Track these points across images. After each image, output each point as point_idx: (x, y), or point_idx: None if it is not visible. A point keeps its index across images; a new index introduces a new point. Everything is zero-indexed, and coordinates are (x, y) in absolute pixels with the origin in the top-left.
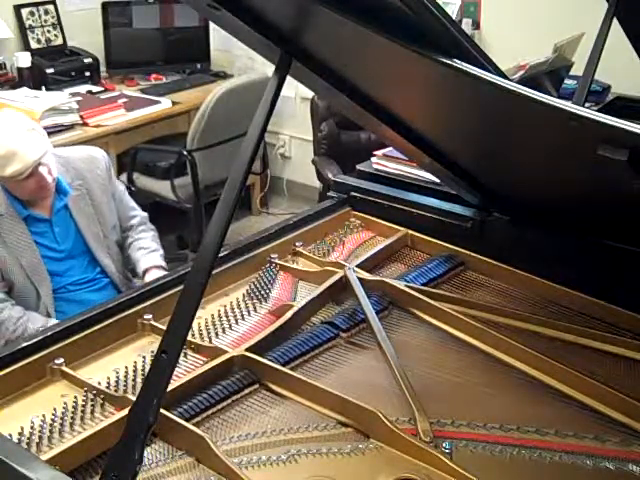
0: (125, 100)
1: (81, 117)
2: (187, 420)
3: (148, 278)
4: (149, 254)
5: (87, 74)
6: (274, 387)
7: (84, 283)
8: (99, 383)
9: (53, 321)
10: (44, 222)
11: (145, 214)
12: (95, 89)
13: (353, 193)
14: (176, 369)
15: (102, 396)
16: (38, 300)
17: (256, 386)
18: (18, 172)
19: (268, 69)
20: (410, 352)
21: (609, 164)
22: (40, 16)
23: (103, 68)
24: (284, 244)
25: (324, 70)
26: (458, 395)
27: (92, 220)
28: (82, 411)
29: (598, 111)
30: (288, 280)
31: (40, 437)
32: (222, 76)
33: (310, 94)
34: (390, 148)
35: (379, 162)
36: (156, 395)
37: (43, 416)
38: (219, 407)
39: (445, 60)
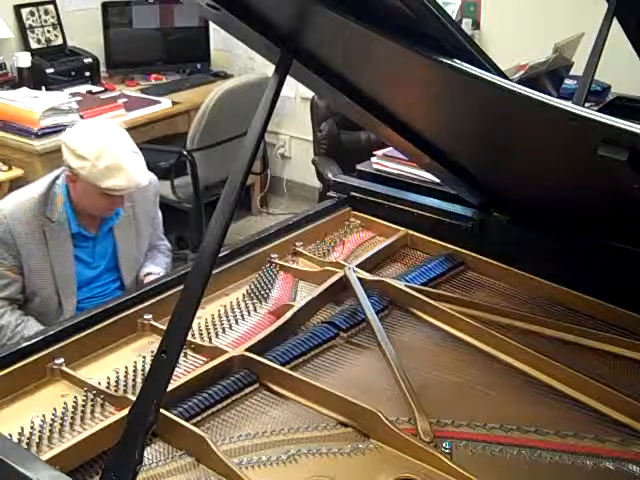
0: (125, 100)
1: (81, 117)
2: (187, 420)
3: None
4: (155, 265)
5: (87, 74)
6: (274, 387)
7: (101, 294)
8: (99, 383)
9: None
10: (89, 239)
11: (169, 246)
12: (95, 89)
13: (353, 193)
14: (176, 369)
15: (102, 396)
16: (59, 314)
17: (256, 386)
18: (118, 187)
19: (268, 69)
20: (410, 352)
21: (609, 164)
22: (40, 16)
23: (103, 68)
24: (284, 244)
25: (324, 70)
26: (458, 395)
27: (132, 245)
28: (82, 411)
29: (598, 111)
30: (288, 280)
31: (40, 437)
32: (222, 76)
33: (310, 94)
34: (390, 148)
35: (379, 162)
36: (156, 395)
37: (43, 416)
38: (219, 407)
39: (445, 60)
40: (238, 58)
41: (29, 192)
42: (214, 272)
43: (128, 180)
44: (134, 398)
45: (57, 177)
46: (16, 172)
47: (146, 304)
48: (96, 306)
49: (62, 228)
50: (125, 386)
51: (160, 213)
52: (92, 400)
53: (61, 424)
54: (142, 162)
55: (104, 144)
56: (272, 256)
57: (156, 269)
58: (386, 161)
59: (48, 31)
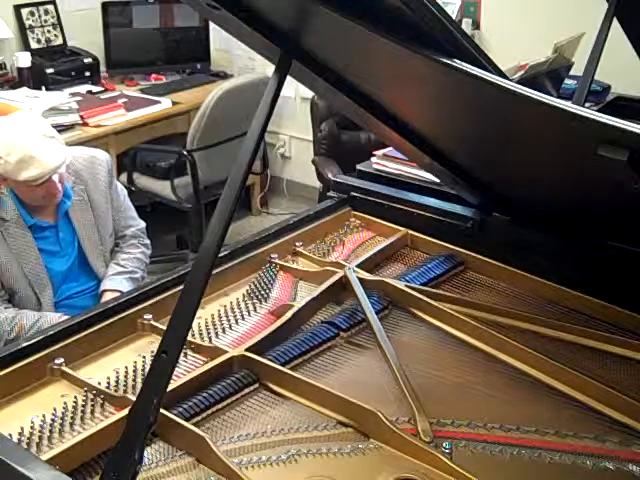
0: (125, 100)
1: (81, 117)
2: (187, 420)
3: (103, 299)
4: (118, 276)
5: (87, 74)
6: (274, 387)
7: (84, 291)
8: (99, 383)
9: (46, 314)
10: (49, 228)
11: (143, 225)
12: (95, 89)
13: (353, 193)
14: (176, 369)
15: (102, 396)
16: (38, 308)
17: (256, 386)
18: (33, 178)
19: (268, 69)
20: (410, 352)
21: (609, 164)
22: (40, 16)
23: (103, 68)
24: (284, 244)
25: (324, 70)
26: (458, 395)
27: (91, 227)
28: (82, 411)
29: (598, 111)
30: (288, 280)
31: (40, 437)
32: (222, 76)
33: (310, 94)
34: (390, 148)
35: (379, 162)
36: (156, 395)
37: (43, 416)
38: (219, 407)
39: (445, 60)
40: (238, 58)
41: None
42: (214, 272)
43: (42, 167)
44: (134, 398)
45: None
46: None
47: (146, 304)
48: (96, 306)
49: (18, 224)
50: (125, 386)
51: (123, 193)
52: (92, 400)
53: (61, 424)
54: (56, 144)
55: (13, 139)
56: (272, 256)
57: (114, 284)
58: (386, 161)
59: (48, 31)
